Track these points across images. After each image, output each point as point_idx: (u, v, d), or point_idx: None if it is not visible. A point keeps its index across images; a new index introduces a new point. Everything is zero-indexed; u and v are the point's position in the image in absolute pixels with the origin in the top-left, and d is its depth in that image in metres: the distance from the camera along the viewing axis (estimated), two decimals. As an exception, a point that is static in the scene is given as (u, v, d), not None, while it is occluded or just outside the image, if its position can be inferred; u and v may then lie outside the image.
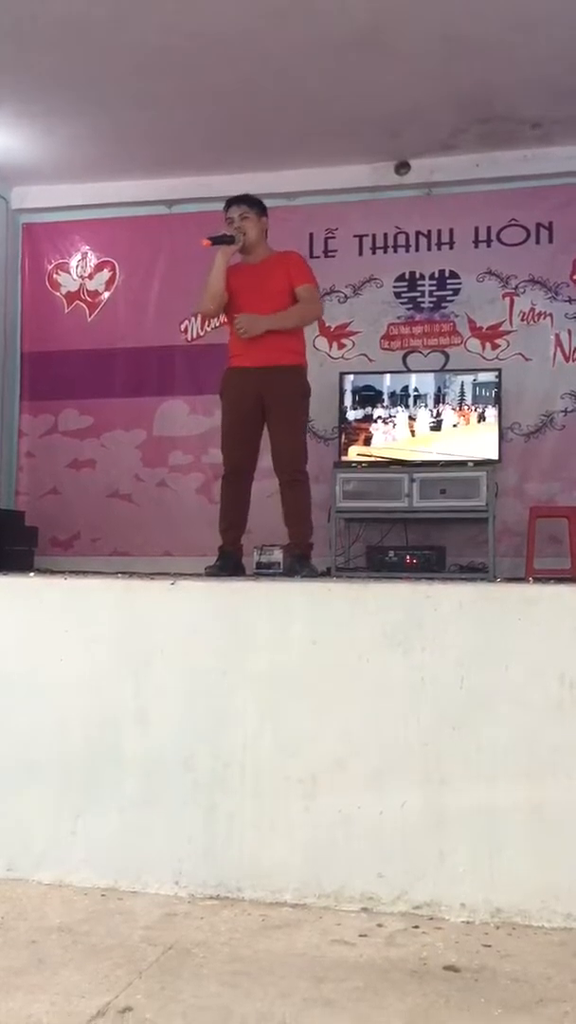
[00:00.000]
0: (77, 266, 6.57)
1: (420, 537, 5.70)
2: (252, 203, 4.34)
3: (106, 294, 6.48)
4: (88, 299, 6.50)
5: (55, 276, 6.61)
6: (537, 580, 4.32)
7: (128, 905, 2.49)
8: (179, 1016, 1.86)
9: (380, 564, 5.42)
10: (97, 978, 2.02)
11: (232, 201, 4.35)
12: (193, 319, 6.22)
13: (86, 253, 6.56)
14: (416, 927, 2.35)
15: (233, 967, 2.10)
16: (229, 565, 4.11)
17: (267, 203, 6.12)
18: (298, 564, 4.09)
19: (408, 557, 5.43)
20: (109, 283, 6.49)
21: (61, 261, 6.60)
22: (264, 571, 5.56)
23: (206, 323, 6.16)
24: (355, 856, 2.49)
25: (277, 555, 5.70)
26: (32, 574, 3.55)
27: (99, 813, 2.66)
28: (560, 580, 4.02)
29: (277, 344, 4.10)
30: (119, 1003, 1.91)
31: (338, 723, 2.58)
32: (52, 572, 4.31)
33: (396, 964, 2.13)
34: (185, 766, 2.62)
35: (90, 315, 6.51)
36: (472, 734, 2.50)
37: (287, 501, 4.15)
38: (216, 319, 5.53)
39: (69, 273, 6.60)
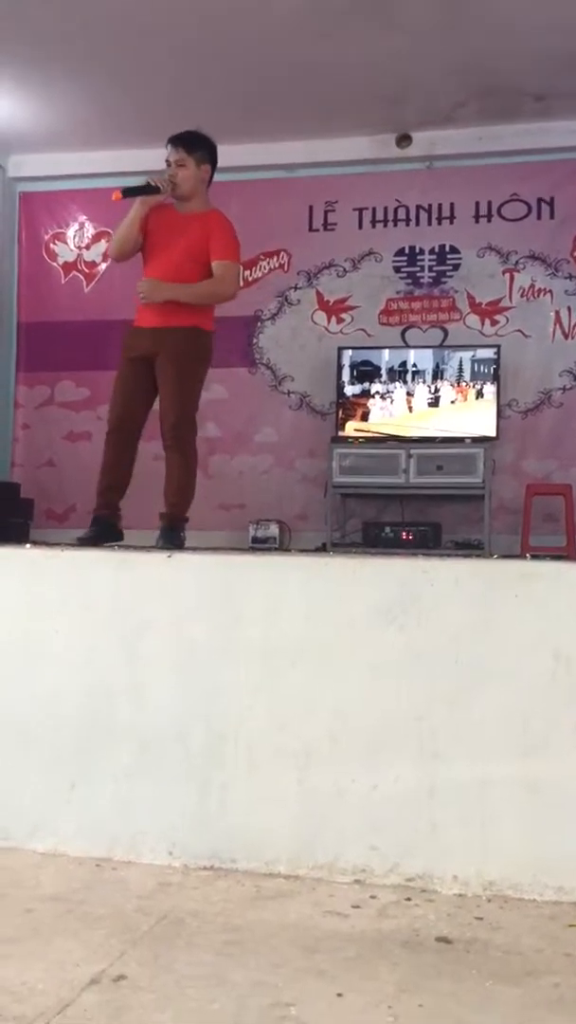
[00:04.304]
0: (75, 236, 6.51)
1: (416, 513, 5.69)
2: (192, 147, 3.86)
3: (103, 265, 6.42)
4: (85, 270, 6.44)
5: (52, 246, 6.55)
6: (533, 557, 4.33)
7: (122, 875, 2.50)
8: (172, 984, 1.87)
9: (376, 540, 5.42)
10: (91, 946, 2.04)
11: (172, 140, 3.87)
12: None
13: (84, 223, 6.49)
14: (408, 899, 2.37)
15: (226, 937, 2.12)
16: (103, 532, 3.81)
17: (267, 175, 6.11)
18: (165, 536, 3.77)
19: (404, 533, 5.43)
20: (107, 254, 6.43)
21: (58, 231, 6.54)
22: (260, 546, 5.56)
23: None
24: (348, 828, 2.51)
25: (273, 529, 5.71)
26: (28, 546, 3.54)
27: (93, 783, 2.67)
28: (556, 558, 4.03)
29: (176, 304, 3.77)
30: (113, 971, 1.92)
31: (332, 697, 2.58)
32: (48, 544, 4.30)
33: (388, 935, 2.15)
34: (179, 738, 2.63)
35: (87, 286, 6.46)
36: (466, 709, 2.51)
37: (167, 467, 3.84)
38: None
39: (66, 243, 6.54)
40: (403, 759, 2.51)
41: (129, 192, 3.82)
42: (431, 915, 2.28)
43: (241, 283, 6.11)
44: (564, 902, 2.36)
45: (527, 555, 4.87)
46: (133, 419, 3.88)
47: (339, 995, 1.84)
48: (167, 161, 3.87)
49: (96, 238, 6.45)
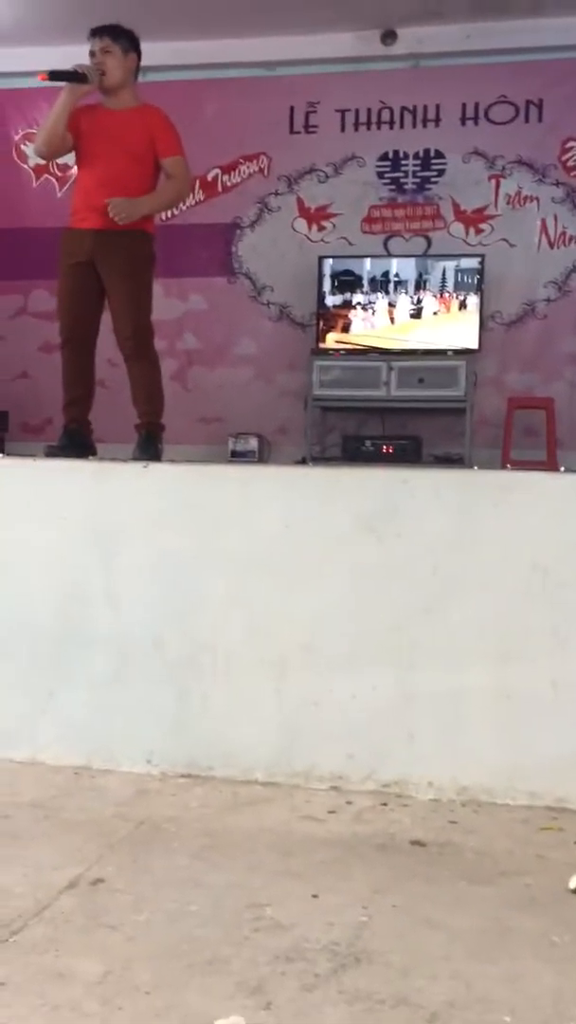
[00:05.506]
0: (46, 137, 6.23)
1: (397, 427, 5.63)
2: (118, 35, 3.74)
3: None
4: (58, 173, 6.19)
5: (23, 147, 6.29)
6: (514, 469, 4.31)
7: (100, 783, 2.52)
8: (149, 887, 1.90)
9: (356, 453, 5.37)
10: (69, 851, 2.06)
11: (95, 31, 3.75)
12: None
13: (55, 123, 6.22)
14: (384, 804, 2.40)
15: (203, 841, 2.14)
16: (74, 444, 3.75)
17: (245, 73, 5.87)
18: (142, 447, 3.70)
19: (384, 447, 5.38)
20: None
21: (29, 131, 6.26)
22: (239, 460, 5.50)
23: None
24: (325, 736, 2.53)
25: (252, 443, 5.65)
26: (1, 457, 3.48)
27: (70, 693, 2.67)
28: (537, 471, 4.00)
29: None
30: (90, 875, 1.94)
31: (310, 607, 2.58)
32: (23, 456, 4.23)
33: (364, 839, 2.18)
34: (156, 647, 2.63)
35: (60, 190, 6.23)
36: (443, 619, 2.51)
37: (132, 377, 3.79)
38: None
39: (38, 145, 6.27)
40: (380, 668, 2.52)
41: (56, 76, 3.66)
42: (406, 819, 2.31)
43: (220, 188, 5.97)
44: (536, 806, 2.40)
45: (507, 467, 4.85)
46: (85, 327, 3.81)
47: (314, 896, 1.87)
48: (91, 52, 3.74)
49: (69, 139, 6.19)
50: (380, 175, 5.82)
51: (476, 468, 4.36)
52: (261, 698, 2.57)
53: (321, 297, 5.62)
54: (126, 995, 1.50)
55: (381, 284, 5.59)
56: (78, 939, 1.68)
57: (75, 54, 5.86)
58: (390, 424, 5.65)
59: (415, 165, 5.78)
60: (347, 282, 5.62)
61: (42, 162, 6.13)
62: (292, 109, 5.85)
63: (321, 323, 5.64)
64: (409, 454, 5.33)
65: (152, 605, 2.65)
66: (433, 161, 5.74)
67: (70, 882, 1.90)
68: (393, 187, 5.81)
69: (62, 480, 2.83)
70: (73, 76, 3.66)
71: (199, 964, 1.60)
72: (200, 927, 1.73)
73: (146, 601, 2.66)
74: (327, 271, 5.62)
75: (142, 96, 3.92)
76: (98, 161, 3.74)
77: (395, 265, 5.61)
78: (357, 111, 5.82)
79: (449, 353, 5.36)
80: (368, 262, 5.63)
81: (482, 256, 5.51)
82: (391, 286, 5.57)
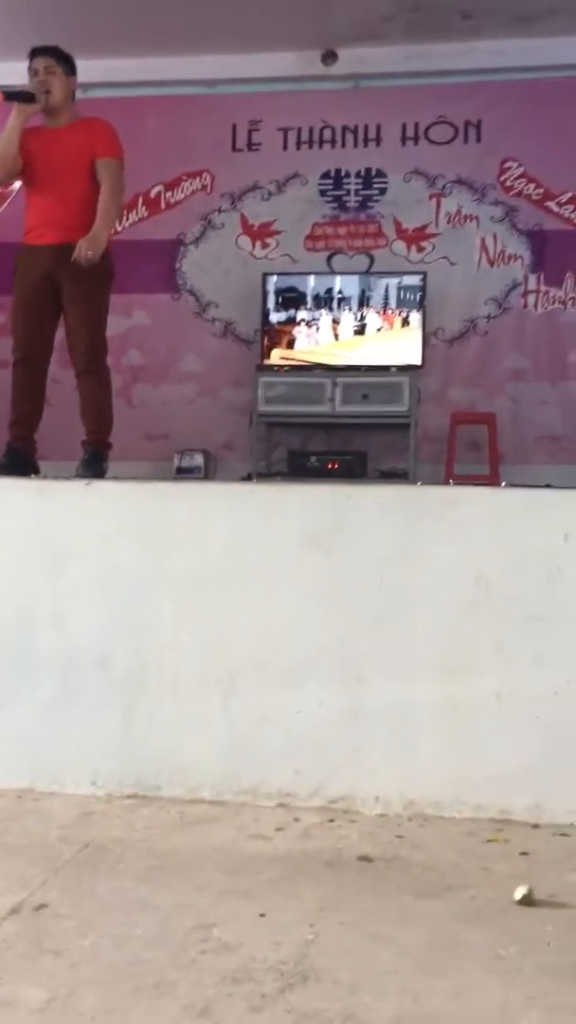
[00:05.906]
0: (-15, 153, 6.18)
1: (342, 443, 5.67)
2: (60, 57, 3.80)
3: (16, 184, 6.12)
4: (-1, 189, 6.16)
5: (-38, 163, 6.23)
6: (456, 485, 4.35)
7: (44, 805, 2.48)
8: (95, 911, 1.87)
9: (301, 469, 5.39)
10: (11, 877, 2.02)
11: (37, 52, 3.79)
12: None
13: (-5, 139, 6.17)
14: (332, 820, 2.40)
15: (150, 862, 2.12)
16: (15, 463, 3.64)
17: (187, 91, 5.90)
18: (88, 464, 3.66)
19: (330, 462, 5.41)
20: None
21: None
22: (185, 476, 5.49)
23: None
24: (273, 753, 2.52)
25: (198, 459, 5.63)
26: None
27: (13, 714, 2.63)
28: (479, 485, 4.05)
29: (73, 220, 3.67)
30: (34, 900, 1.91)
31: (257, 623, 2.58)
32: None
33: (311, 856, 2.18)
34: (102, 666, 2.60)
35: (0, 206, 6.18)
36: (390, 633, 2.52)
37: (82, 393, 3.76)
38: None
39: (-23, 160, 6.21)
40: (327, 683, 2.52)
41: (12, 96, 3.68)
42: (353, 835, 2.31)
43: (163, 205, 5.97)
44: (482, 818, 2.41)
45: (450, 481, 4.90)
46: (41, 345, 3.78)
47: (262, 915, 1.86)
48: (34, 70, 3.78)
49: (9, 155, 6.14)
50: (323, 193, 5.87)
51: (420, 483, 4.39)
52: (208, 715, 2.56)
53: (265, 314, 5.64)
54: (70, 1022, 1.47)
55: (325, 301, 5.62)
56: (21, 965, 1.65)
57: (8, 70, 5.83)
58: (335, 440, 5.69)
59: (357, 183, 5.84)
60: (291, 299, 5.65)
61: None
62: (234, 127, 5.88)
63: (266, 339, 5.66)
64: (354, 469, 5.36)
65: (97, 623, 2.63)
66: (375, 180, 5.81)
67: (13, 908, 1.87)
68: (336, 205, 5.86)
69: (5, 498, 2.79)
70: (23, 96, 3.69)
71: (145, 988, 1.58)
72: (146, 950, 1.71)
73: (91, 620, 2.63)
74: (271, 288, 5.64)
75: (82, 113, 3.94)
76: (47, 180, 3.76)
77: (338, 282, 5.66)
78: (299, 130, 5.86)
79: (393, 369, 5.41)
80: (312, 279, 5.67)
81: (424, 273, 5.58)
82: (335, 303, 5.62)
